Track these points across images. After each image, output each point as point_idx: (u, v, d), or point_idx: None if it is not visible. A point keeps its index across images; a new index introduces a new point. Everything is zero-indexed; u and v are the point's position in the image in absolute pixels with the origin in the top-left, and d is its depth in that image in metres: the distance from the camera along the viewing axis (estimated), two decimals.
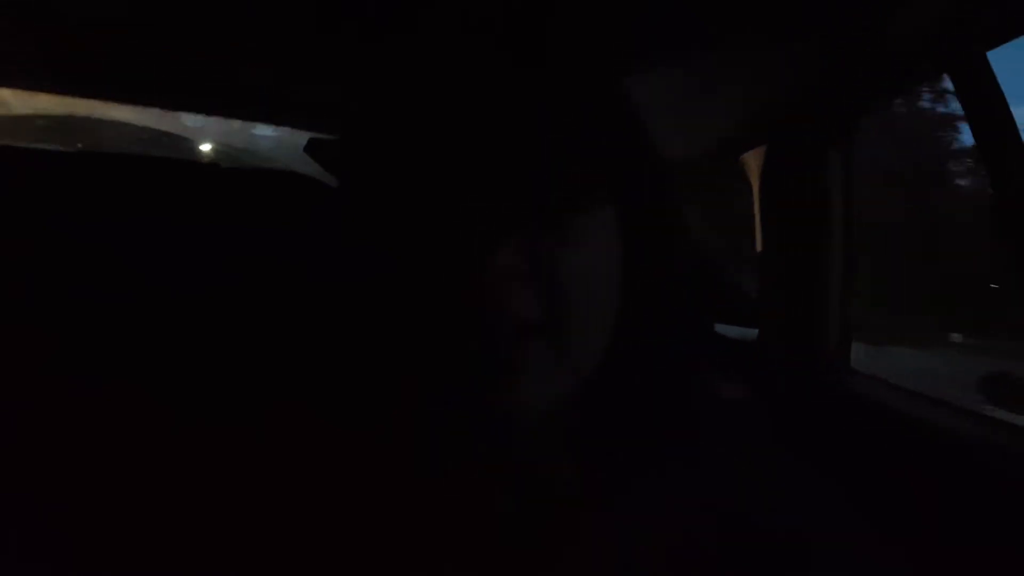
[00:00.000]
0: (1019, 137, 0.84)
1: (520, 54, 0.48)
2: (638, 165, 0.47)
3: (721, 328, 1.30)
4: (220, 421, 0.50)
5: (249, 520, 0.46)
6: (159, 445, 0.49)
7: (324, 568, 0.46)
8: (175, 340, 0.59)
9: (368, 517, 0.46)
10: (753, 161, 1.28)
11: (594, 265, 0.43)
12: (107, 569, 0.44)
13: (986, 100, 0.86)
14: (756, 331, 1.26)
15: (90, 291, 0.61)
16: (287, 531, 0.45)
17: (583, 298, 0.42)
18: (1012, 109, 0.85)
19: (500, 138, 0.42)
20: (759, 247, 1.26)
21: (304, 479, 0.47)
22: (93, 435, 0.50)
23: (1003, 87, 0.84)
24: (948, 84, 0.98)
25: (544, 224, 0.41)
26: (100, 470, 0.48)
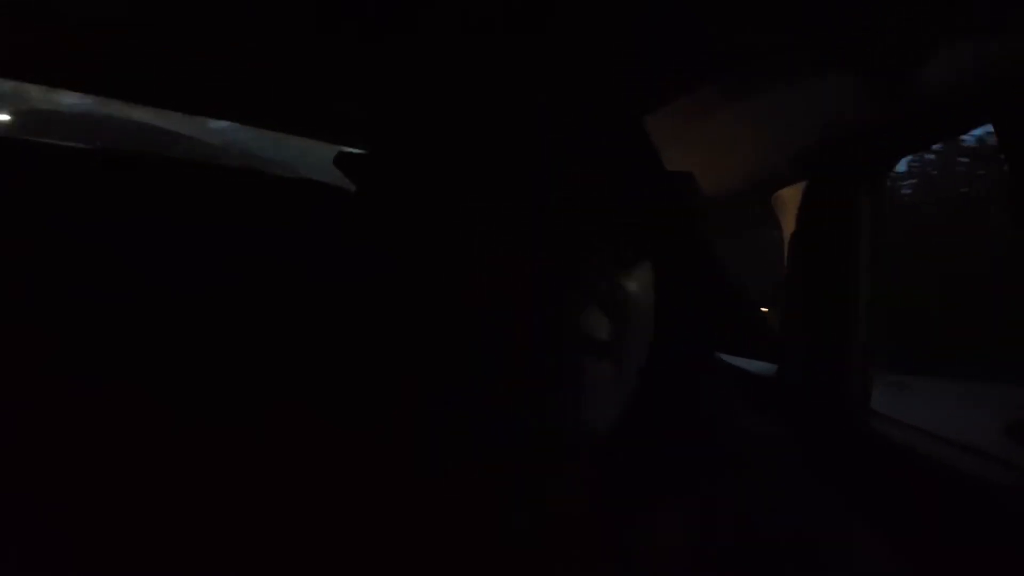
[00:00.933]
0: None
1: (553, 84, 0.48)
2: (673, 198, 0.47)
3: (740, 361, 1.31)
4: (220, 421, 0.50)
5: (249, 520, 0.46)
6: (159, 445, 0.49)
7: (324, 568, 0.45)
8: (175, 340, 0.59)
9: (368, 517, 0.46)
10: (783, 197, 1.28)
11: (636, 291, 0.43)
12: (107, 569, 0.44)
13: None
14: (774, 365, 1.27)
15: (91, 291, 0.61)
16: (287, 531, 0.45)
17: (633, 323, 0.43)
18: None
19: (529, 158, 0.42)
20: (786, 282, 1.26)
21: (304, 479, 0.47)
22: (93, 435, 0.50)
23: None
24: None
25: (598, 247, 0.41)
26: (100, 470, 0.48)
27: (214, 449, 0.48)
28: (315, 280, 0.56)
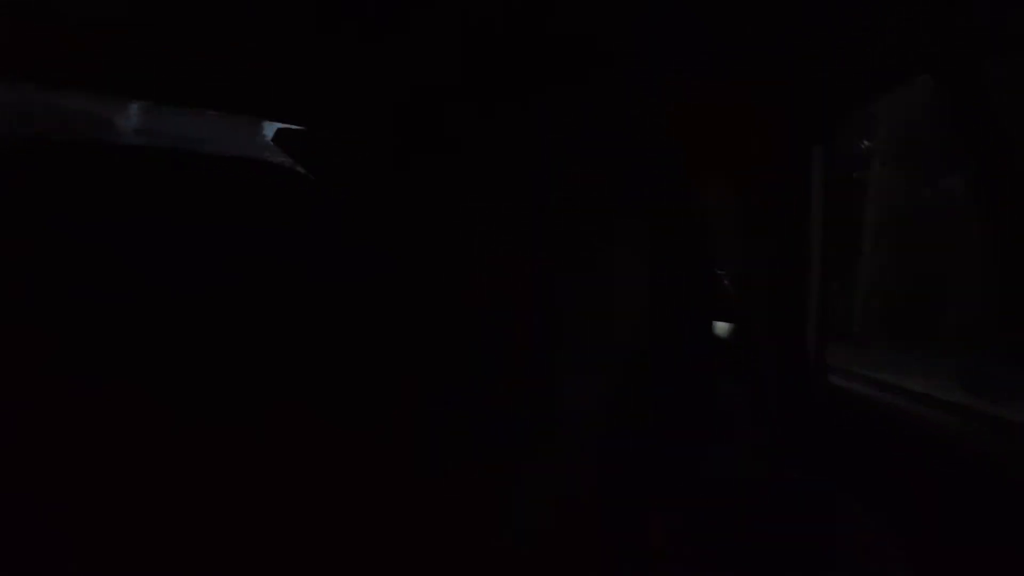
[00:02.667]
0: (1002, 142, 0.85)
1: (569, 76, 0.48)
2: (670, 174, 0.48)
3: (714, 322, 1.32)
4: (220, 421, 0.50)
5: (249, 519, 0.46)
6: (159, 445, 0.49)
7: (324, 567, 0.45)
8: (175, 340, 0.59)
9: (368, 516, 0.46)
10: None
11: (628, 273, 0.44)
12: (107, 568, 0.44)
13: (971, 104, 0.86)
14: (735, 327, 1.28)
15: (89, 291, 0.61)
16: (287, 530, 0.45)
17: (630, 318, 0.43)
18: None
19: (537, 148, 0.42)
20: (740, 245, 1.26)
21: (304, 478, 0.47)
22: (93, 435, 0.50)
23: None
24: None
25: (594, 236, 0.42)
26: (100, 469, 0.48)
27: (213, 448, 0.48)
28: (314, 279, 0.56)
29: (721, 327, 1.29)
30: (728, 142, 1.28)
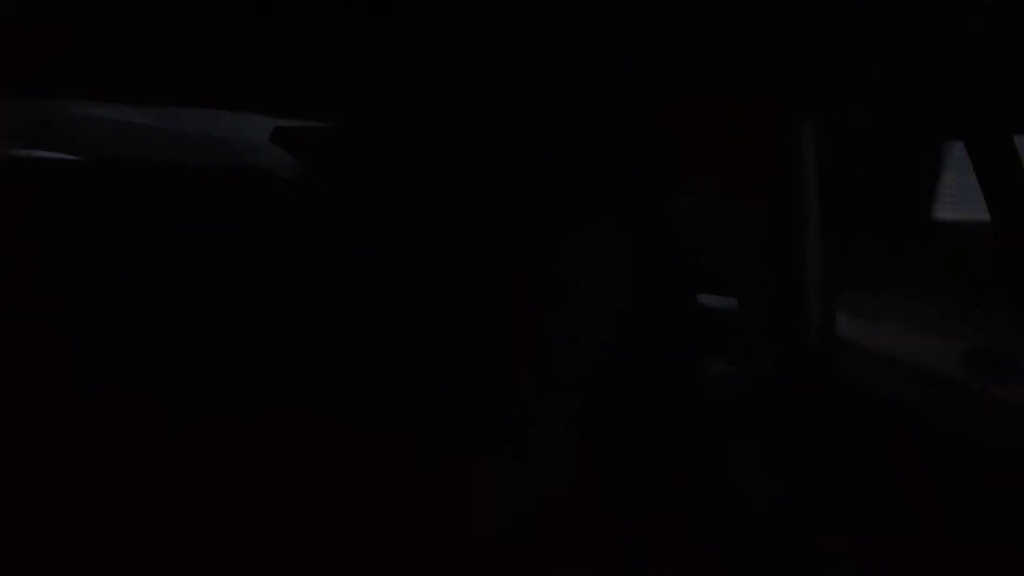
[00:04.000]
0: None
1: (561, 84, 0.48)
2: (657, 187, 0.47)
3: (704, 299, 1.31)
4: (219, 421, 0.50)
5: (247, 519, 0.46)
6: (158, 446, 0.49)
7: (323, 567, 0.46)
8: (174, 342, 0.59)
9: (366, 516, 0.46)
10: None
11: (601, 263, 0.43)
12: (107, 569, 0.45)
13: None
14: (736, 300, 1.27)
15: (89, 295, 0.61)
16: (286, 530, 0.46)
17: (592, 296, 0.43)
18: None
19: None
20: (739, 220, 1.26)
21: (301, 479, 0.47)
22: (94, 436, 0.50)
23: None
24: None
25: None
26: (100, 470, 0.48)
27: (212, 449, 0.48)
28: (311, 280, 0.56)
29: (721, 321, 1.29)
30: (725, 138, 1.27)
